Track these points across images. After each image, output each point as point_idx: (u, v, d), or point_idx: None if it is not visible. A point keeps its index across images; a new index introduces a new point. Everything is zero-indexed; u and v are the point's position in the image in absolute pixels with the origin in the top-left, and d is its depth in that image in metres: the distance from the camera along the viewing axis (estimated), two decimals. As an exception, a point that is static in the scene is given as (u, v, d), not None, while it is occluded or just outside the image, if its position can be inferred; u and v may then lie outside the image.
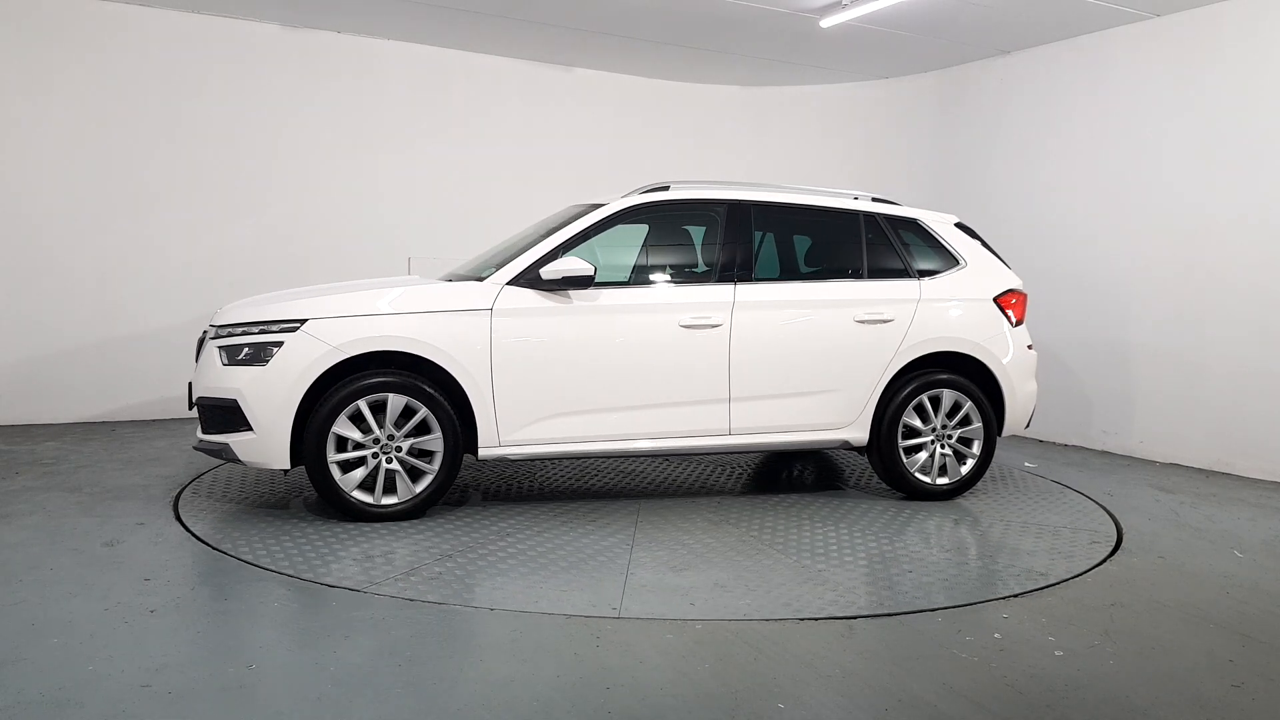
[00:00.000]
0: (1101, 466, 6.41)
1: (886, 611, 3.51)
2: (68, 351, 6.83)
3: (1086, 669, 3.04)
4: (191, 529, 4.30)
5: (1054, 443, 7.30)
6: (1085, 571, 4.07)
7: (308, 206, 7.51)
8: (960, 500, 5.27)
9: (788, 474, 5.89)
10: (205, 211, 7.18)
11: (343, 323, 4.37)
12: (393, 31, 7.50)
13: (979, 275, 5.37)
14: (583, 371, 4.64)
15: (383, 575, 3.72)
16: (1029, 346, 5.39)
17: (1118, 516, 5.02)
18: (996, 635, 3.30)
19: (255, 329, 4.40)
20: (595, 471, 5.71)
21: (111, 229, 6.90)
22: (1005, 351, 5.26)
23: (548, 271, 4.57)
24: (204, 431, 4.50)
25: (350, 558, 3.93)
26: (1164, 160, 6.55)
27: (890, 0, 6.25)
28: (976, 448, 5.23)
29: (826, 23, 6.73)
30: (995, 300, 5.32)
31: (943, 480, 5.19)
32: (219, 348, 4.43)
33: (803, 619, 3.39)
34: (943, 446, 5.19)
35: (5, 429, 6.53)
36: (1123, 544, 4.52)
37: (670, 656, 3.03)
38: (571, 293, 4.62)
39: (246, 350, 4.36)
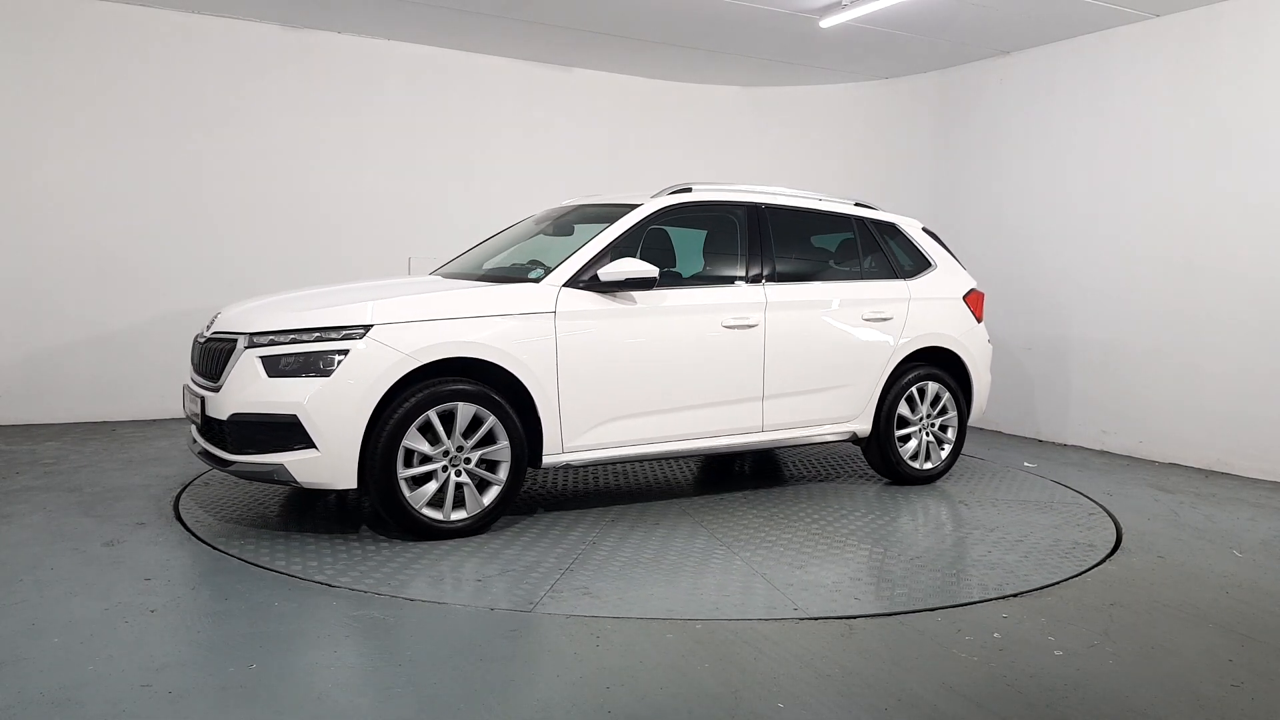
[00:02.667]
0: (1101, 466, 6.41)
1: (886, 611, 3.51)
2: (68, 351, 6.84)
3: (1086, 669, 3.05)
4: (192, 529, 4.29)
5: (1053, 443, 7.30)
6: (1085, 571, 4.07)
7: (308, 206, 7.51)
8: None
9: (732, 470, 5.99)
10: (205, 211, 7.18)
11: (413, 328, 4.07)
12: (393, 31, 7.50)
13: (948, 276, 5.85)
14: (641, 373, 4.61)
15: (530, 594, 3.55)
16: (988, 341, 5.96)
17: (1117, 516, 5.02)
18: (996, 635, 3.31)
19: (310, 336, 4.00)
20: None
21: (111, 229, 6.91)
22: (975, 346, 5.80)
23: (608, 273, 4.46)
24: (237, 451, 4.02)
25: (424, 577, 3.70)
26: (1163, 160, 6.55)
27: (890, 0, 6.25)
28: (952, 434, 5.73)
29: (826, 23, 6.73)
30: (964, 299, 5.82)
31: (928, 465, 5.63)
32: (260, 358, 3.99)
33: (803, 619, 3.40)
34: (926, 434, 5.62)
35: (5, 429, 6.53)
36: (1122, 544, 4.53)
37: (670, 656, 3.03)
38: (628, 294, 4.56)
39: (299, 360, 3.96)
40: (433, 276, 5.22)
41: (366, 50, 7.65)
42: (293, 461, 3.93)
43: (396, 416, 4.00)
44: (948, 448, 5.70)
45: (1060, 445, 7.20)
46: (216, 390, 4.11)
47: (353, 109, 7.63)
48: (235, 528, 4.32)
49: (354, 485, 3.99)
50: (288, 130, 7.42)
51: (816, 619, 3.40)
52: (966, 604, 3.60)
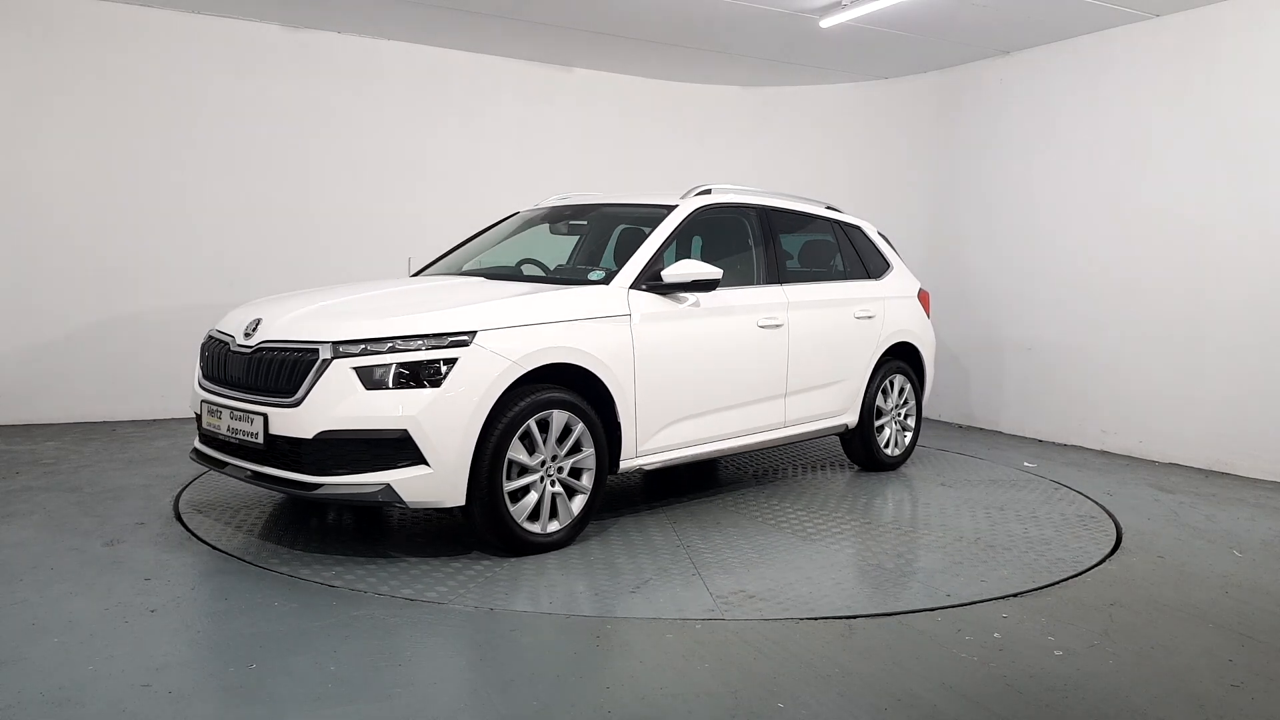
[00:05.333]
0: (1101, 466, 6.41)
1: (886, 611, 3.51)
2: (68, 351, 6.83)
3: (1086, 669, 3.05)
4: (192, 528, 4.29)
5: (1053, 443, 7.29)
6: (1084, 571, 4.07)
7: (308, 206, 7.51)
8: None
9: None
10: (205, 212, 7.18)
11: (516, 334, 3.89)
12: (393, 31, 7.50)
13: (904, 276, 6.19)
14: (702, 374, 4.67)
15: (696, 600, 3.52)
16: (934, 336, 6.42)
17: (1117, 516, 5.02)
18: (996, 635, 3.31)
19: (412, 344, 3.72)
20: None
21: (111, 229, 6.90)
22: (929, 340, 6.23)
23: (673, 275, 4.43)
24: (321, 472, 3.69)
25: (525, 592, 3.58)
26: (1163, 160, 6.55)
27: (890, 0, 6.26)
28: (912, 422, 6.18)
29: (826, 23, 6.73)
30: (917, 297, 6.19)
31: (897, 452, 6.05)
32: (354, 369, 3.67)
33: (802, 619, 3.40)
34: (895, 423, 6.04)
35: (5, 429, 6.53)
36: (1122, 544, 4.53)
37: (670, 656, 3.03)
38: (690, 295, 4.57)
39: (403, 370, 3.70)
40: (466, 276, 4.95)
41: (366, 50, 7.65)
42: (400, 480, 3.65)
43: (503, 426, 3.81)
44: (909, 435, 6.15)
45: (1059, 445, 7.20)
46: (294, 405, 3.70)
47: (352, 109, 7.63)
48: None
49: (463, 502, 3.77)
50: (287, 130, 7.42)
51: (817, 619, 3.40)
52: (966, 604, 3.61)
